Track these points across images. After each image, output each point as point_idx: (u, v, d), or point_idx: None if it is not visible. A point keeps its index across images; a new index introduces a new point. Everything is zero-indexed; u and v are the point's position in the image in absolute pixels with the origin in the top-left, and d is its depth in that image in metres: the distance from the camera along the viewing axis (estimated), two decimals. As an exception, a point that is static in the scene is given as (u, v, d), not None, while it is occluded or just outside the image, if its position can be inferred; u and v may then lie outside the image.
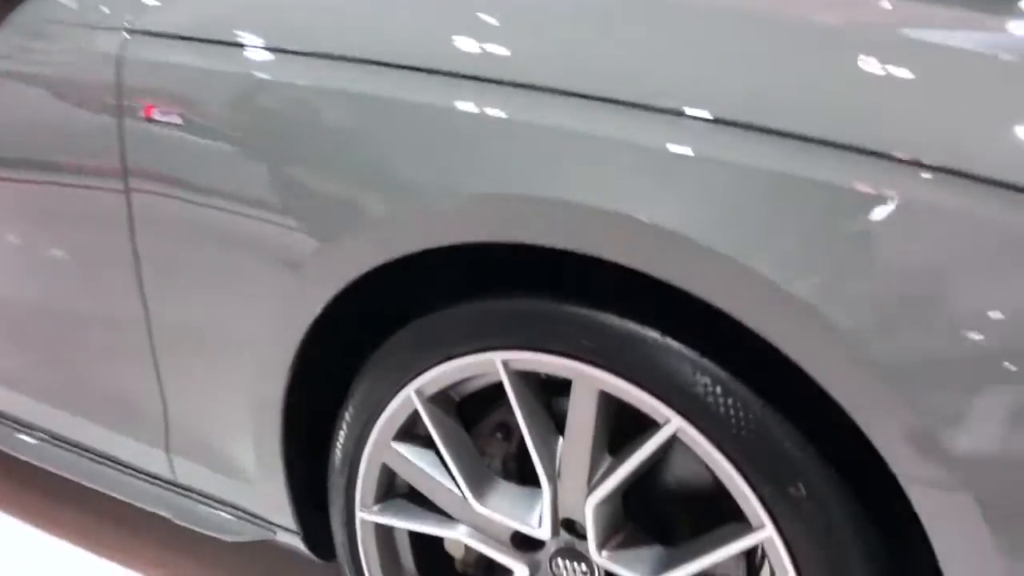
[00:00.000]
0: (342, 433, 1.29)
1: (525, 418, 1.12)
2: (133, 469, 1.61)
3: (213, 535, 1.54)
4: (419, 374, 1.18)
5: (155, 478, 1.59)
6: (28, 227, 1.53)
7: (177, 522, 1.58)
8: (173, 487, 1.58)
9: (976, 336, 0.83)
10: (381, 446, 1.25)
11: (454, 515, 1.24)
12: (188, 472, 1.54)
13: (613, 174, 0.95)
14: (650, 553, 1.12)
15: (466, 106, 1.04)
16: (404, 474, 1.26)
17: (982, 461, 0.85)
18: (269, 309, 1.26)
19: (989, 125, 0.86)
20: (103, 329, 1.50)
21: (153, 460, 1.56)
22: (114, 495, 1.63)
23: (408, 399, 1.20)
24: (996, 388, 0.84)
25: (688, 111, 0.93)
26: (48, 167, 1.44)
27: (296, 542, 1.47)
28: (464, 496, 1.20)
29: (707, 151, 0.91)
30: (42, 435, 1.71)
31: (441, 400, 1.20)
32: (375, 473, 1.27)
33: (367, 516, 1.30)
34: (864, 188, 0.86)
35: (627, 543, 1.14)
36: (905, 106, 0.89)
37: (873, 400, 0.87)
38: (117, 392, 1.54)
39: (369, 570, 1.33)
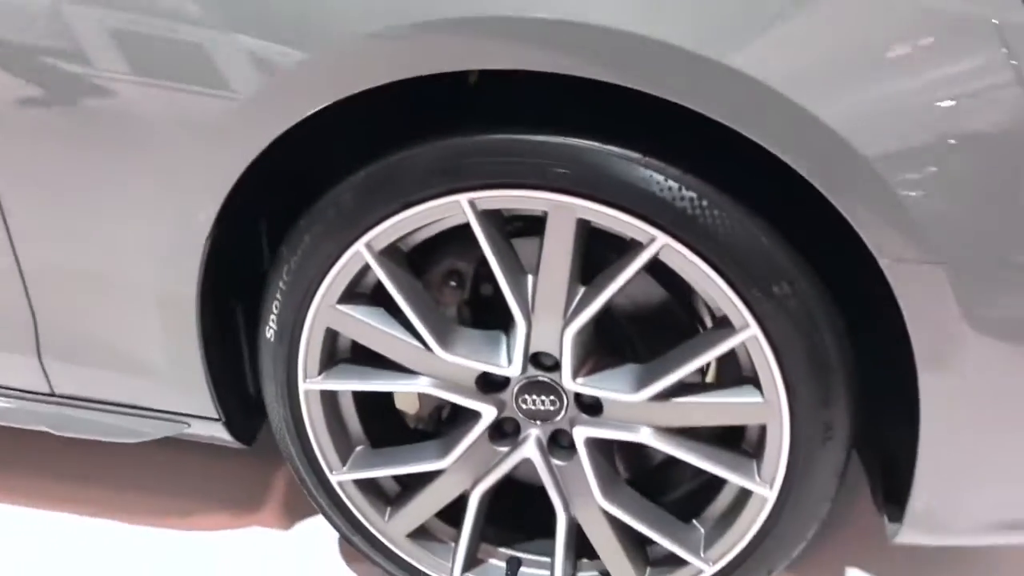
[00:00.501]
0: (276, 305, 1.20)
1: (496, 257, 1.10)
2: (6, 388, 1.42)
3: (113, 440, 1.41)
4: (370, 227, 1.11)
5: (33, 393, 1.41)
6: None
7: (60, 434, 1.43)
8: (52, 399, 1.41)
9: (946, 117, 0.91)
10: (326, 310, 1.18)
11: (414, 368, 1.20)
12: (66, 381, 1.38)
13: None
14: (625, 372, 1.16)
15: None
16: (355, 335, 1.20)
17: (952, 235, 0.95)
18: (181, 186, 1.12)
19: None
20: None
21: (25, 373, 1.38)
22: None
23: (357, 255, 1.13)
24: (965, 166, 0.93)
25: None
26: None
27: (214, 430, 1.38)
28: (428, 347, 1.17)
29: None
30: None
31: (391, 253, 1.14)
32: (319, 340, 1.21)
33: (312, 386, 1.24)
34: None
35: (599, 367, 1.17)
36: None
37: (857, 188, 0.94)
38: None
39: (317, 441, 1.28)
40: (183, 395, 1.33)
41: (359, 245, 1.12)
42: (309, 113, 1.03)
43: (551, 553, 1.32)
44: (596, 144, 1.01)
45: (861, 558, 1.47)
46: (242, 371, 1.35)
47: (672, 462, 1.28)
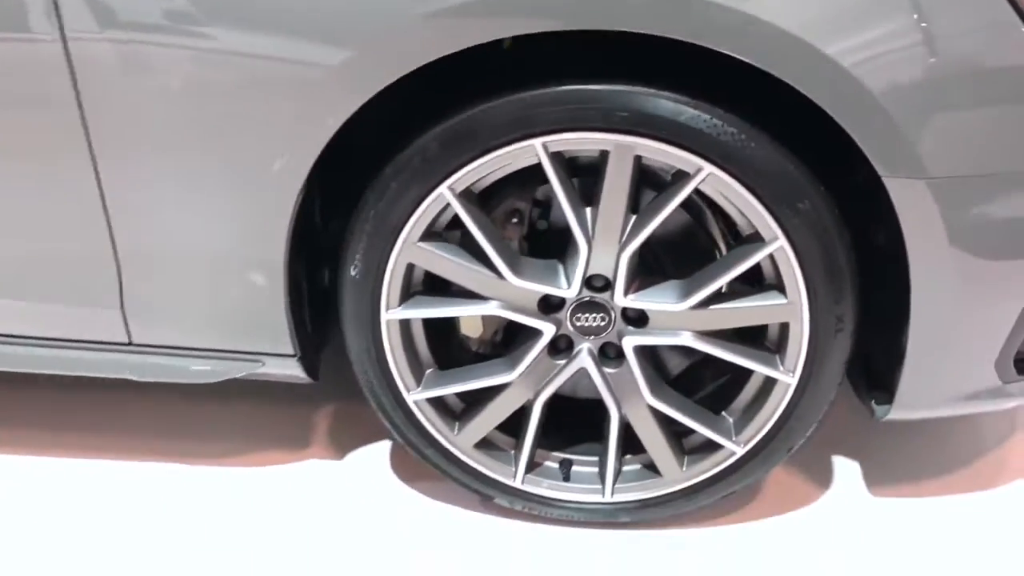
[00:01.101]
0: (361, 246, 1.36)
1: (564, 193, 1.29)
2: (88, 343, 1.53)
3: (192, 382, 1.54)
4: (453, 172, 1.29)
5: (111, 344, 1.53)
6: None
7: (141, 379, 1.56)
8: (130, 348, 1.54)
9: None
10: (409, 248, 1.35)
11: (485, 293, 1.39)
12: (145, 331, 1.51)
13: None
14: (669, 286, 1.38)
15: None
16: (434, 268, 1.38)
17: (941, 153, 1.19)
18: (280, 135, 1.27)
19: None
20: (49, 201, 1.39)
21: (108, 327, 1.50)
22: (73, 373, 1.56)
23: (440, 197, 1.31)
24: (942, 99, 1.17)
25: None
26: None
27: (287, 367, 1.52)
28: (500, 274, 1.36)
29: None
30: None
31: (466, 195, 1.32)
32: (400, 275, 1.38)
33: (393, 315, 1.41)
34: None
35: (644, 285, 1.38)
36: None
37: (867, 116, 1.17)
38: (68, 264, 1.45)
39: (396, 366, 1.45)
40: (262, 336, 1.48)
41: (443, 188, 1.30)
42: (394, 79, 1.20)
43: (598, 453, 1.53)
44: (652, 90, 1.21)
45: (842, 447, 1.74)
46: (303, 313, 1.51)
47: (702, 365, 1.51)
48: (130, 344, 1.53)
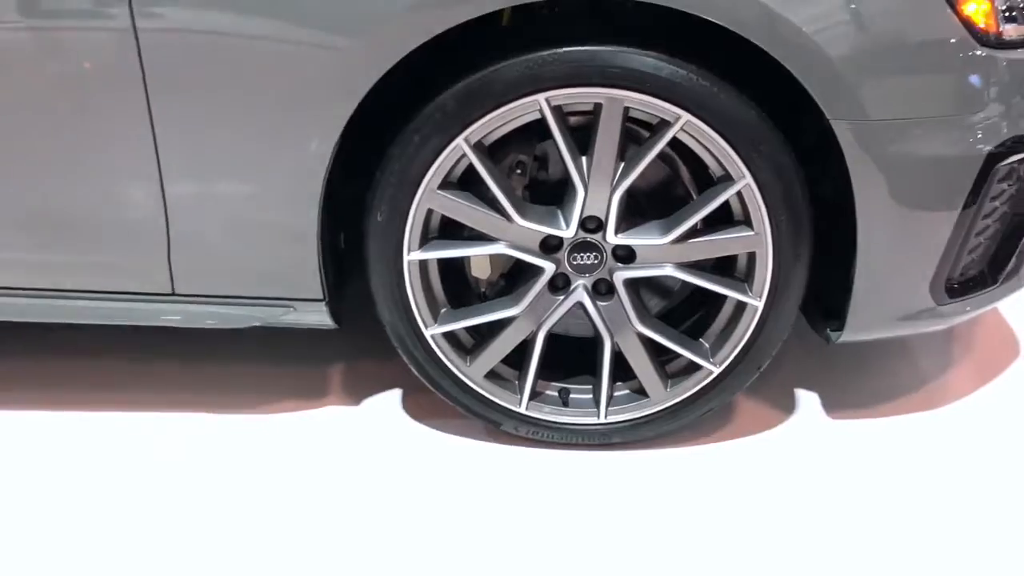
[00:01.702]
0: (387, 194, 1.56)
1: (564, 141, 1.52)
2: (131, 294, 1.71)
3: (230, 327, 1.73)
4: (468, 125, 1.50)
5: (156, 295, 1.71)
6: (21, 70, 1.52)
7: (185, 326, 1.74)
8: (174, 297, 1.71)
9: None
10: (429, 194, 1.56)
11: (495, 235, 1.60)
12: (188, 280, 1.69)
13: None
14: (652, 225, 1.61)
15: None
16: (451, 212, 1.59)
17: (876, 100, 1.44)
18: (308, 103, 1.48)
19: None
20: (102, 157, 1.57)
21: (153, 278, 1.68)
22: (119, 323, 1.73)
23: (457, 147, 1.52)
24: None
25: None
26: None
27: (315, 311, 1.71)
28: (508, 216, 1.58)
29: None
30: (20, 292, 1.71)
31: (479, 147, 1.54)
32: (421, 220, 1.59)
33: (415, 256, 1.61)
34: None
35: (631, 225, 1.61)
36: None
37: (820, 71, 1.42)
38: (115, 218, 1.62)
39: (416, 303, 1.65)
40: (295, 282, 1.66)
41: (459, 139, 1.51)
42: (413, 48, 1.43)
43: (592, 382, 1.74)
44: (638, 50, 1.45)
45: (802, 382, 1.97)
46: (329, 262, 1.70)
47: (679, 306, 1.75)
48: (173, 294, 1.71)
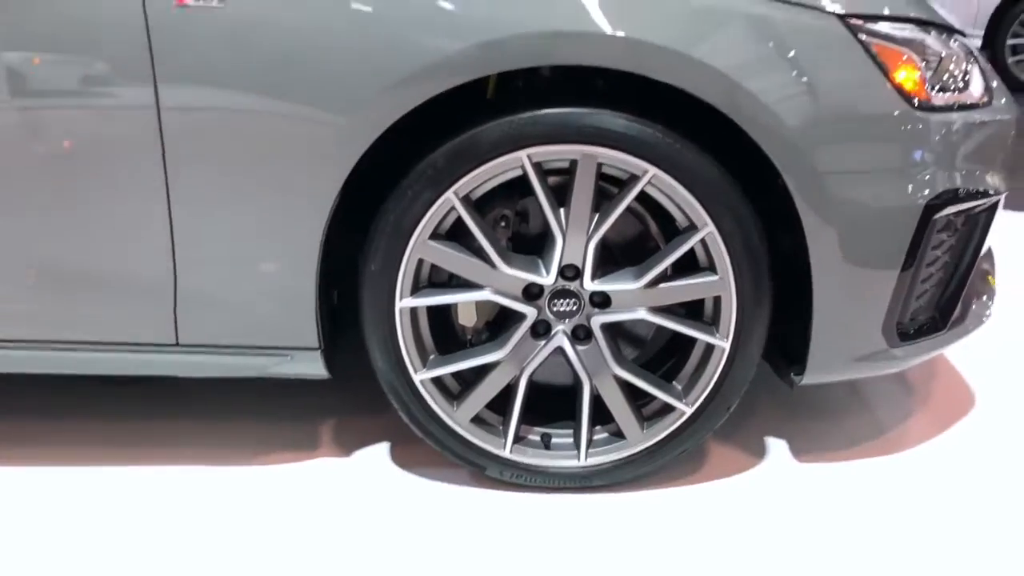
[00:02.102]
0: (382, 245, 1.69)
1: (544, 194, 1.67)
2: (136, 345, 1.80)
3: (232, 376, 1.82)
4: (457, 180, 1.65)
5: (160, 346, 1.80)
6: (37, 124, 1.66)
7: (186, 376, 1.83)
8: (177, 348, 1.81)
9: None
10: (421, 245, 1.70)
11: (480, 282, 1.73)
12: (193, 331, 1.79)
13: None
14: (626, 272, 1.74)
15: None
16: (439, 261, 1.72)
17: (823, 155, 1.62)
18: (308, 170, 1.64)
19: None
20: (117, 219, 1.70)
21: (158, 331, 1.78)
22: (120, 373, 1.83)
23: (447, 200, 1.66)
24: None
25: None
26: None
27: (310, 361, 1.81)
28: (493, 264, 1.71)
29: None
30: (31, 344, 1.81)
31: (466, 200, 1.69)
32: (413, 268, 1.71)
33: (406, 303, 1.73)
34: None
35: (606, 272, 1.75)
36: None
37: (773, 132, 1.59)
38: (126, 275, 1.74)
39: (406, 349, 1.76)
40: (294, 330, 1.77)
41: (449, 193, 1.66)
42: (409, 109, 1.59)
43: (572, 426, 1.84)
44: (609, 112, 1.62)
45: (770, 429, 2.08)
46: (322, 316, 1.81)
47: (655, 356, 1.87)
48: (177, 344, 1.81)
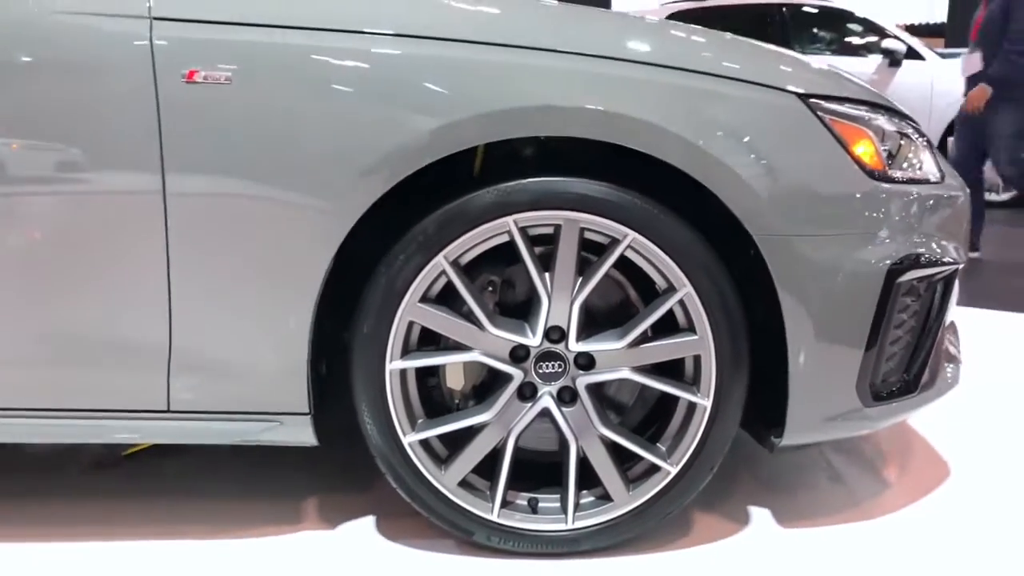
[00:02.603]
0: (373, 308, 1.76)
1: (530, 257, 1.75)
2: (127, 412, 1.82)
3: (220, 442, 1.84)
4: (446, 245, 1.73)
5: (151, 412, 1.82)
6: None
7: (173, 442, 1.85)
8: (167, 415, 1.83)
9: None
10: (411, 307, 1.76)
11: (469, 343, 1.79)
12: (185, 398, 1.82)
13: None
14: (608, 333, 1.81)
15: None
16: (430, 323, 1.78)
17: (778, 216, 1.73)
18: (299, 244, 1.72)
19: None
20: (117, 290, 1.75)
21: (150, 397, 1.80)
22: (110, 441, 1.84)
23: (437, 264, 1.74)
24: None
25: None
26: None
27: (299, 427, 1.83)
28: (482, 326, 1.77)
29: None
30: (24, 413, 1.82)
31: (456, 265, 1.77)
32: (403, 331, 1.77)
33: (396, 365, 1.78)
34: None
35: (590, 334, 1.81)
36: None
37: (743, 198, 1.71)
38: (123, 343, 1.77)
39: (395, 410, 1.79)
40: (285, 395, 1.80)
41: (439, 257, 1.74)
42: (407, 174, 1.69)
43: (559, 491, 1.87)
44: (590, 181, 1.73)
45: (753, 498, 2.10)
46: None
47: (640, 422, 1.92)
48: (168, 411, 1.83)
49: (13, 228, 1.74)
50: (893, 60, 7.41)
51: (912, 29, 9.96)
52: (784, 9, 7.94)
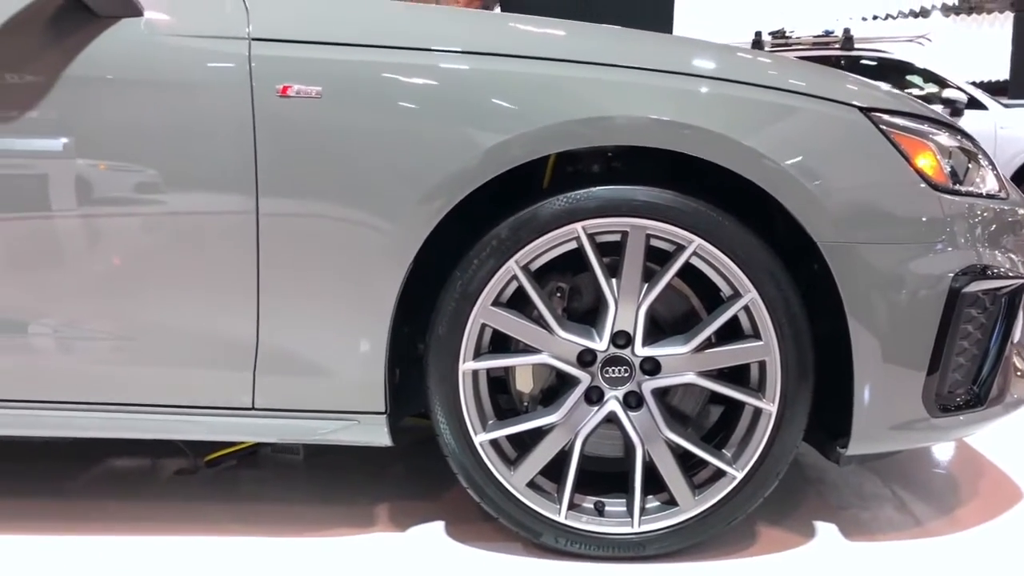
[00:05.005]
0: (449, 310, 1.84)
1: (598, 263, 1.82)
2: (212, 409, 1.92)
3: (301, 440, 1.92)
4: (518, 250, 1.81)
5: (235, 409, 1.92)
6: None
7: (258, 440, 1.93)
8: (251, 412, 1.92)
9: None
10: (484, 310, 1.84)
11: (538, 346, 1.85)
12: (269, 396, 1.91)
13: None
14: (674, 338, 1.86)
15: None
16: (502, 326, 1.85)
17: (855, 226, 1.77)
18: (380, 246, 1.81)
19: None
20: (216, 300, 1.86)
21: (235, 395, 1.90)
22: (198, 437, 1.94)
23: (508, 268, 1.82)
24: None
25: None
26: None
27: (375, 425, 1.90)
28: (551, 329, 1.84)
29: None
30: (101, 407, 1.93)
31: (526, 269, 1.84)
32: (476, 333, 1.85)
33: (469, 366, 1.85)
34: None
35: (655, 340, 1.87)
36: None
37: (810, 208, 1.76)
38: (214, 340, 1.88)
39: (467, 410, 1.86)
40: (363, 394, 1.88)
41: (511, 262, 1.82)
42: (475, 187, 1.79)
43: (624, 495, 1.90)
44: (656, 188, 1.80)
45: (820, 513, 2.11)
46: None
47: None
48: (252, 408, 1.92)
49: (120, 236, 1.87)
50: (954, 110, 7.39)
51: (974, 86, 9.93)
52: (842, 62, 8.00)
